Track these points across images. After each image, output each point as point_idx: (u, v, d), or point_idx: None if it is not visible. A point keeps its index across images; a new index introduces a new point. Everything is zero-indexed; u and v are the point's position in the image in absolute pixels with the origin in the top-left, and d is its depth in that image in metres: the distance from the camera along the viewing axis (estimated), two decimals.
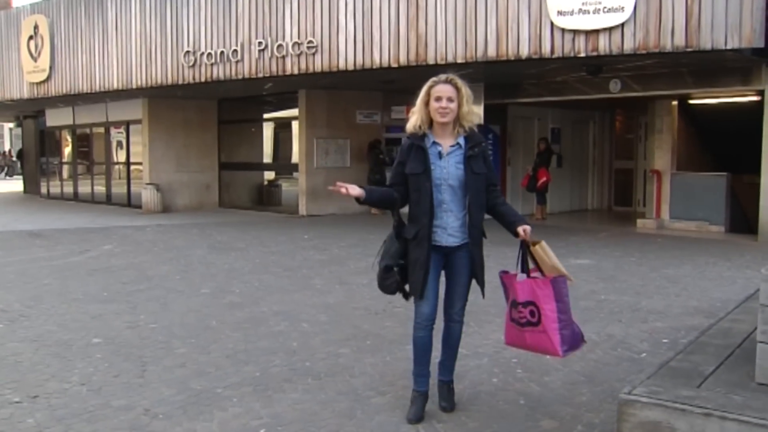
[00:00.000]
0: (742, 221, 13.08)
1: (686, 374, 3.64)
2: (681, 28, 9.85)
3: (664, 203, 14.04)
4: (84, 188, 22.24)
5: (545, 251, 3.95)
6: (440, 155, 4.04)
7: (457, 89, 4.01)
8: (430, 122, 4.06)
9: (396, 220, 4.07)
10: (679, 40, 9.89)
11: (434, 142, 4.06)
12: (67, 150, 23.52)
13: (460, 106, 4.01)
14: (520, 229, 3.97)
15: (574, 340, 3.98)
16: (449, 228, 4.06)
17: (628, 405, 3.29)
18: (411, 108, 4.15)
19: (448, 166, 4.03)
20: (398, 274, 4.07)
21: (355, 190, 3.92)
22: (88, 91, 17.63)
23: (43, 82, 18.70)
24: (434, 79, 4.06)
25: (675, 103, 14.08)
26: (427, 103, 4.03)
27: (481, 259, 4.13)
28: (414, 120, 4.08)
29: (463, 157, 4.03)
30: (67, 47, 18.07)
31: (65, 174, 23.59)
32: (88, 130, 22.19)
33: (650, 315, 6.68)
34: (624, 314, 6.72)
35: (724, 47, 9.77)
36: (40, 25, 18.63)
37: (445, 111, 3.98)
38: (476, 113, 4.12)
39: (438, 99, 3.98)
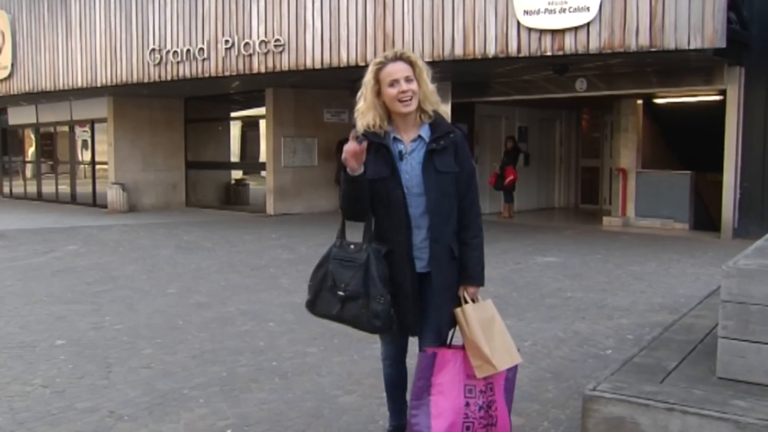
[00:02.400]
0: (706, 219, 13.29)
1: (650, 370, 3.69)
2: (645, 28, 9.99)
3: (630, 201, 14.21)
4: (48, 188, 21.90)
5: (467, 318, 3.18)
6: (401, 155, 3.17)
7: (412, 65, 3.13)
8: (389, 116, 3.19)
9: (370, 235, 3.22)
10: (644, 40, 10.02)
11: (395, 138, 3.19)
12: (31, 149, 23.15)
13: (420, 85, 3.13)
14: (461, 290, 3.23)
15: None
16: (415, 249, 3.20)
17: (592, 401, 3.32)
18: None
19: (410, 170, 3.17)
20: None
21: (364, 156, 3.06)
22: (52, 89, 17.36)
23: (5, 79, 18.38)
24: (379, 59, 3.17)
25: (640, 102, 14.27)
26: (378, 93, 3.14)
27: (444, 290, 3.22)
28: (368, 119, 3.15)
29: (424, 152, 3.16)
30: (29, 44, 17.77)
31: (29, 173, 23.23)
32: (52, 129, 21.86)
33: (616, 312, 6.76)
34: (590, 311, 6.79)
35: (687, 47, 9.92)
36: (1, 21, 18.29)
37: (407, 96, 3.10)
38: (436, 93, 3.23)
39: (394, 83, 3.09)
